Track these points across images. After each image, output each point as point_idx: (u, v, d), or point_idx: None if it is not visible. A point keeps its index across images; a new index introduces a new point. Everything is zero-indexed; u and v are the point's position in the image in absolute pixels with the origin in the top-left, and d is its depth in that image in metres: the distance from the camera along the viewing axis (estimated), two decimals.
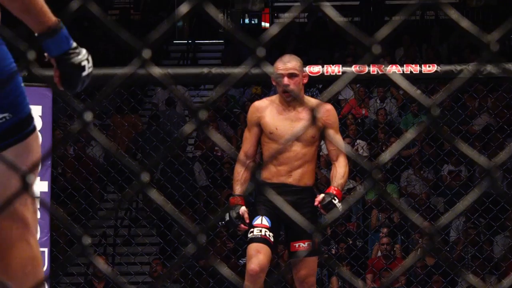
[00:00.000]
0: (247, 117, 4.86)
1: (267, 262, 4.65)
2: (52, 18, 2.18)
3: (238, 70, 5.45)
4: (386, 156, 1.47)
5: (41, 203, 5.16)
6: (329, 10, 1.49)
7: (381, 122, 9.27)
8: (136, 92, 6.80)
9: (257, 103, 4.85)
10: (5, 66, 2.13)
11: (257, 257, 4.62)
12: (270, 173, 4.73)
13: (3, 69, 2.12)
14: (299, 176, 4.76)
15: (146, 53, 1.44)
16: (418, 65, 5.63)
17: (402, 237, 8.04)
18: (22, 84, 2.19)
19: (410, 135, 1.46)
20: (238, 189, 4.78)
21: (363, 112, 9.88)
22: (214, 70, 5.63)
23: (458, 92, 6.61)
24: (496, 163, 1.33)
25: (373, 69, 5.55)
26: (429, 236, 1.34)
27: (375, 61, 1.36)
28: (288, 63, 4.68)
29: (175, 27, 13.95)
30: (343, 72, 5.59)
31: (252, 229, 4.69)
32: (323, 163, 9.08)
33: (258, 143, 4.82)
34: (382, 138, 8.58)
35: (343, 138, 8.25)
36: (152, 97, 11.01)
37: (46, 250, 5.29)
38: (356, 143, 8.67)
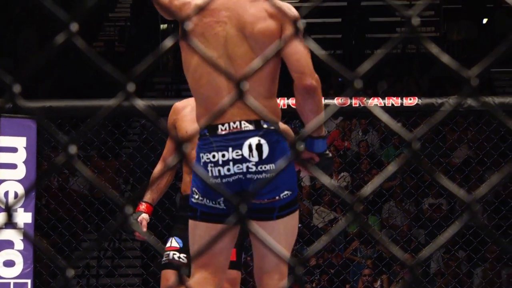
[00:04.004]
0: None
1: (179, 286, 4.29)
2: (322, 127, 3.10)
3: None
4: (368, 189, 1.49)
5: (25, 235, 5.13)
6: (311, 43, 1.52)
7: (363, 154, 9.30)
8: (120, 124, 6.80)
9: (176, 104, 4.32)
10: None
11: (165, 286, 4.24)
12: (185, 185, 4.17)
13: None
14: None
15: (130, 87, 1.46)
16: (399, 98, 5.67)
17: (384, 269, 8.04)
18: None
19: (391, 168, 1.48)
20: (147, 195, 4.31)
21: (345, 144, 9.91)
22: None
23: (439, 124, 6.65)
24: (475, 197, 1.35)
25: (355, 102, 5.59)
26: (410, 268, 1.36)
27: (357, 94, 1.38)
28: None
29: (159, 61, 13.90)
30: (326, 105, 5.61)
31: (166, 253, 4.30)
32: (305, 195, 9.08)
33: None
34: (364, 170, 8.60)
35: None
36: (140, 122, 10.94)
37: (29, 281, 5.26)
38: (340, 176, 8.69)
